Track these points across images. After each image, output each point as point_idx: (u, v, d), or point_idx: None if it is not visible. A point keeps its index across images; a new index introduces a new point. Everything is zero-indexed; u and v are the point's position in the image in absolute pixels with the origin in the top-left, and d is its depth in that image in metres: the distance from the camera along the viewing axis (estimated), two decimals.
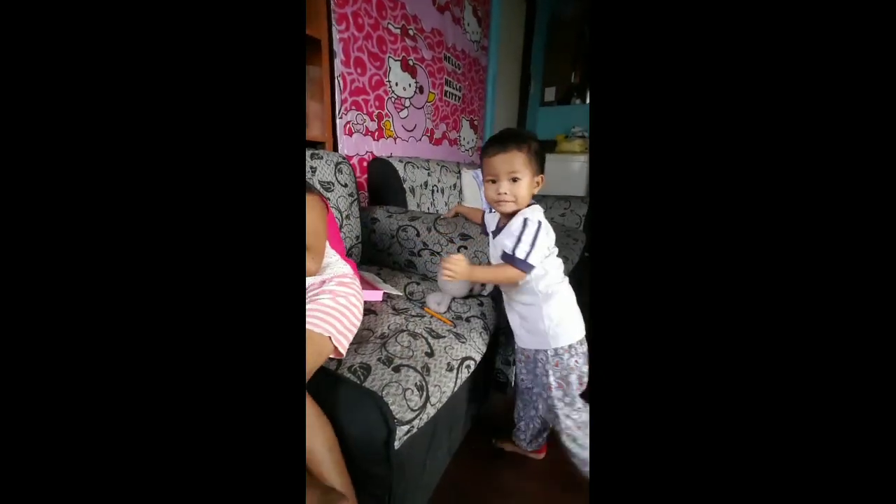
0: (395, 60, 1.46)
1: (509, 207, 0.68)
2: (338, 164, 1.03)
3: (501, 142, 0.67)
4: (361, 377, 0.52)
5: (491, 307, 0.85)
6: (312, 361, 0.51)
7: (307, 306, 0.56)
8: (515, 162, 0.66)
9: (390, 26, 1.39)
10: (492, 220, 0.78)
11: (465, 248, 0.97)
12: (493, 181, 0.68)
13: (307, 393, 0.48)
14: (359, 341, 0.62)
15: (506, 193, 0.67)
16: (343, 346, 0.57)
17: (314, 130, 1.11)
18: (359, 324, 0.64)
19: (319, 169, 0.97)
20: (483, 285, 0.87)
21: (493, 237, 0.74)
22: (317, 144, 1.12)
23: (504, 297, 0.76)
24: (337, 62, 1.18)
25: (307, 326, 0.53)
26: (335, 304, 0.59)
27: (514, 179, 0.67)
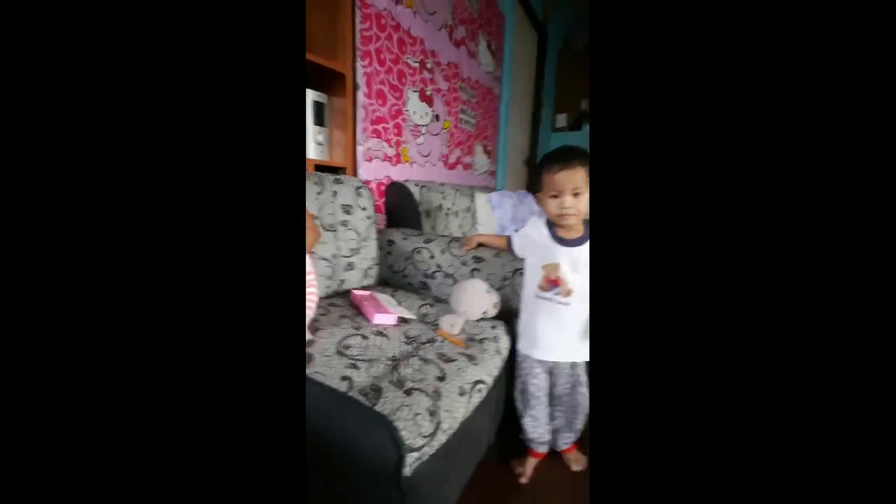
0: (414, 91, 1.54)
1: (573, 220, 0.74)
2: (357, 188, 1.07)
3: (565, 158, 0.71)
4: (373, 399, 0.52)
5: (504, 330, 0.84)
6: None
7: None
8: (578, 177, 0.71)
9: (409, 60, 1.48)
10: (537, 231, 0.81)
11: (479, 270, 0.98)
12: (556, 196, 0.73)
13: None
14: (370, 359, 0.62)
15: (571, 207, 0.72)
16: None
17: (337, 157, 1.16)
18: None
19: (340, 193, 1.02)
20: (496, 307, 0.87)
21: (569, 246, 0.77)
22: (338, 170, 1.17)
23: (567, 312, 0.77)
24: (360, 94, 1.25)
25: None
26: None
27: (576, 194, 0.72)
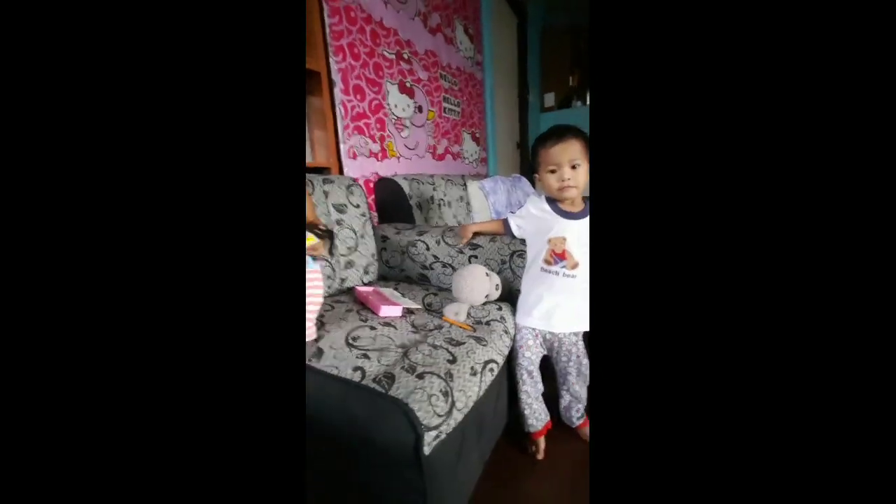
0: (393, 84, 1.52)
1: (573, 193, 0.75)
2: (349, 186, 1.06)
3: (558, 133, 0.74)
4: (386, 386, 0.52)
5: (510, 311, 0.85)
6: None
7: None
8: (574, 150, 0.73)
9: (385, 52, 1.46)
10: (538, 208, 0.82)
11: (476, 257, 0.98)
12: (554, 171, 0.75)
13: None
14: (380, 348, 0.63)
15: (569, 179, 0.73)
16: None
17: (320, 157, 1.15)
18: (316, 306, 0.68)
19: (332, 192, 1.01)
20: (498, 289, 0.87)
21: (573, 219, 0.78)
22: (323, 170, 1.16)
23: (573, 284, 0.77)
24: (337, 91, 1.24)
25: None
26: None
27: (574, 167, 0.73)
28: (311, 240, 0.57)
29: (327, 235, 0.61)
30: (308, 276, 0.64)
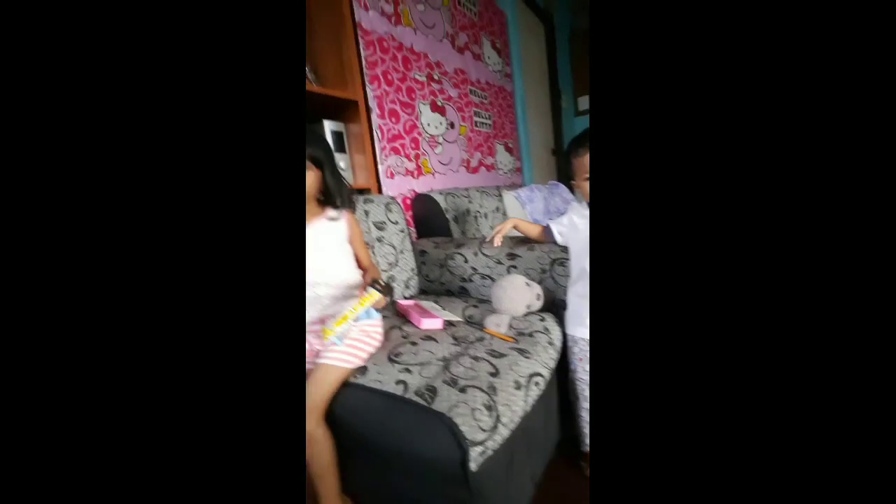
0: (425, 104, 1.57)
1: None
2: (387, 204, 1.11)
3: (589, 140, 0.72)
4: (429, 399, 0.52)
5: (554, 321, 0.81)
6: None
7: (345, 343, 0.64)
8: None
9: (416, 76, 1.52)
10: (581, 215, 0.80)
11: (515, 266, 0.96)
12: (589, 179, 0.73)
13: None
14: (421, 363, 0.63)
15: None
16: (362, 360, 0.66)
17: (360, 180, 1.22)
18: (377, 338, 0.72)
19: (371, 211, 1.06)
20: (539, 299, 0.84)
21: None
22: (363, 191, 1.22)
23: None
24: (374, 116, 1.30)
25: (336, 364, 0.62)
26: (360, 335, 0.68)
27: None
28: (373, 296, 0.64)
29: (388, 291, 0.67)
30: (371, 326, 0.72)
